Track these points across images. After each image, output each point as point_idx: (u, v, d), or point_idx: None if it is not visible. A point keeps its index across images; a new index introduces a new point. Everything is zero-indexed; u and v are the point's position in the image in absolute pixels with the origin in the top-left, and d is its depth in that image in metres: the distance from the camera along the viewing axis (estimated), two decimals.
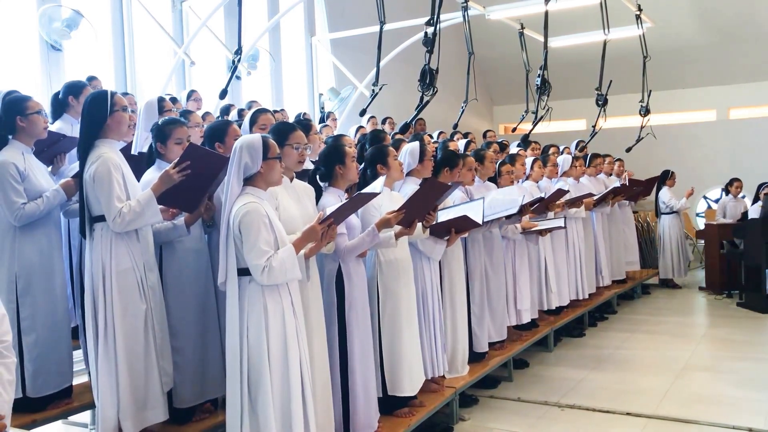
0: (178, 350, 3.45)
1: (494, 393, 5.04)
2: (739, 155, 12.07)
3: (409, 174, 4.26)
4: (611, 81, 8.91)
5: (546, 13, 7.88)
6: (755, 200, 8.75)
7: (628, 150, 9.71)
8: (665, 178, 9.50)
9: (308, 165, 3.90)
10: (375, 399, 3.61)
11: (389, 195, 3.84)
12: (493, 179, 5.45)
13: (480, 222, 4.11)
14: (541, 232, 5.73)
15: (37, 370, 3.41)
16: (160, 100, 4.43)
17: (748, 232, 7.90)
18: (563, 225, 5.70)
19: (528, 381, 5.34)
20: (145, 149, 4.03)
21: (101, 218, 3.17)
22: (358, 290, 3.52)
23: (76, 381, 3.73)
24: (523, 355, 5.72)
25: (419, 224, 3.75)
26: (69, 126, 4.43)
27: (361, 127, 7.21)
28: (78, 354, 3.83)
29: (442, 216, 4.10)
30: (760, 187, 8.81)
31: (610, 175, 8.51)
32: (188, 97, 6.82)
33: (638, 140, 9.81)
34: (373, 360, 3.64)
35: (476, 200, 4.33)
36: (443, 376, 4.39)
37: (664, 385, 5.10)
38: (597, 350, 6.24)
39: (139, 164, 3.56)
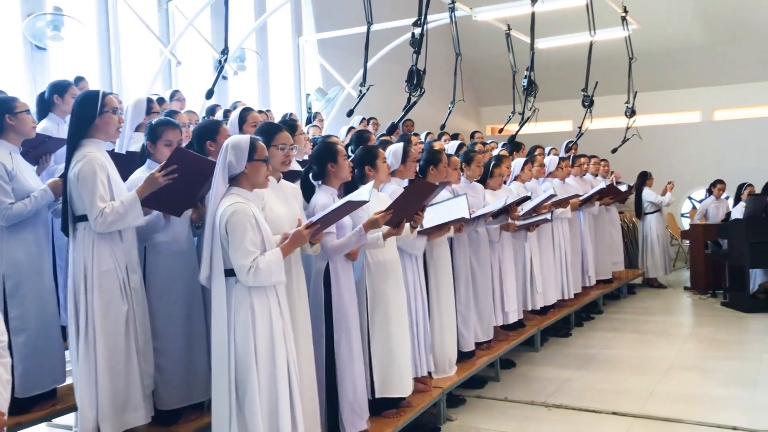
0: (161, 352, 3.43)
1: (481, 393, 5.05)
2: (724, 156, 12.18)
3: (391, 174, 4.26)
4: (597, 82, 8.97)
5: (533, 15, 7.90)
6: (737, 201, 8.83)
7: (614, 151, 9.79)
8: (645, 179, 9.58)
9: (297, 167, 3.89)
10: (364, 399, 3.60)
11: (376, 196, 3.83)
12: (481, 180, 5.46)
13: (467, 215, 4.13)
14: (529, 228, 5.75)
15: (27, 370, 3.38)
16: (149, 100, 4.42)
17: (732, 232, 7.98)
18: (550, 218, 5.75)
19: (515, 381, 5.36)
20: (131, 148, 4.02)
21: (84, 218, 3.15)
22: (345, 290, 3.52)
23: (68, 382, 3.70)
24: (509, 355, 5.74)
25: (407, 224, 3.76)
26: (55, 125, 4.40)
27: (352, 128, 7.21)
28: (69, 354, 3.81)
29: (429, 213, 4.10)
30: (740, 187, 8.89)
31: (596, 175, 8.56)
32: (171, 97, 6.77)
33: (624, 141, 9.88)
34: (362, 361, 3.64)
35: (459, 196, 4.34)
36: (429, 375, 4.39)
37: (650, 385, 5.14)
38: (583, 350, 6.28)
39: (130, 164, 3.54)
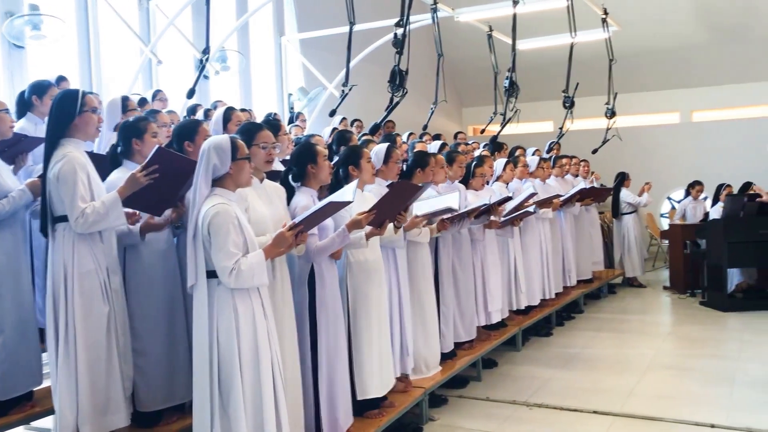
0: (142, 353, 3.40)
1: (463, 393, 5.07)
2: (702, 157, 12.33)
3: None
4: (578, 83, 9.04)
5: (514, 16, 7.96)
6: (715, 201, 8.94)
7: (595, 151, 9.88)
8: (622, 179, 9.69)
9: (279, 167, 3.88)
10: (347, 400, 3.60)
11: (361, 196, 3.83)
12: (463, 181, 5.48)
13: (456, 206, 4.18)
14: (514, 222, 5.78)
15: (5, 373, 3.34)
16: (124, 99, 4.37)
17: (710, 232, 8.07)
18: (532, 210, 5.79)
19: (497, 380, 5.39)
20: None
21: (64, 218, 3.11)
22: (329, 291, 3.52)
23: (45, 384, 3.66)
24: (491, 355, 5.76)
25: (391, 224, 3.76)
26: (33, 125, 4.35)
27: (335, 128, 7.20)
28: (46, 356, 3.76)
29: (420, 206, 4.11)
30: (719, 188, 9.01)
31: (576, 176, 8.63)
32: (153, 97, 6.72)
33: (604, 142, 9.97)
34: (346, 361, 3.64)
35: (452, 193, 4.40)
36: (407, 376, 4.38)
37: (630, 383, 5.19)
38: (564, 349, 6.32)
39: (101, 165, 3.50)
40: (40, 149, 3.69)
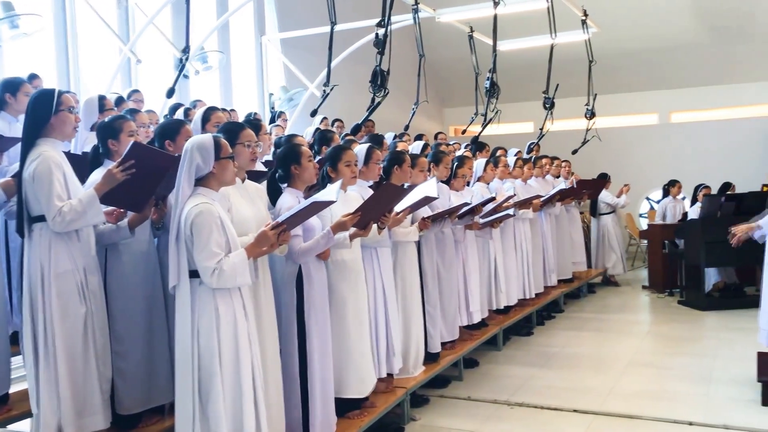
0: (122, 355, 3.37)
1: (445, 392, 5.08)
2: (680, 157, 12.47)
3: None
4: (558, 84, 9.09)
5: (495, 17, 7.98)
6: (694, 201, 9.05)
7: (574, 152, 9.95)
8: (603, 180, 9.78)
9: (260, 167, 3.87)
10: (333, 400, 3.60)
11: (343, 197, 3.82)
12: (446, 182, 5.49)
13: (435, 194, 4.18)
14: (493, 224, 5.80)
15: None
16: (101, 98, 4.31)
17: (688, 232, 8.16)
18: (512, 213, 5.81)
19: (478, 380, 5.40)
20: (87, 148, 3.93)
21: (40, 218, 3.07)
22: (317, 291, 3.51)
23: (17, 388, 3.61)
24: (473, 354, 5.78)
25: (374, 226, 3.76)
26: (7, 124, 4.27)
27: (318, 128, 7.17)
28: (17, 360, 3.70)
29: (397, 205, 4.11)
30: (697, 188, 9.12)
31: (557, 176, 8.69)
32: (128, 97, 6.61)
33: (584, 143, 10.04)
34: (332, 362, 3.63)
35: (428, 179, 4.38)
36: (391, 375, 4.38)
37: (610, 382, 5.23)
38: (545, 348, 6.35)
39: (81, 165, 3.46)
40: (16, 149, 3.64)
